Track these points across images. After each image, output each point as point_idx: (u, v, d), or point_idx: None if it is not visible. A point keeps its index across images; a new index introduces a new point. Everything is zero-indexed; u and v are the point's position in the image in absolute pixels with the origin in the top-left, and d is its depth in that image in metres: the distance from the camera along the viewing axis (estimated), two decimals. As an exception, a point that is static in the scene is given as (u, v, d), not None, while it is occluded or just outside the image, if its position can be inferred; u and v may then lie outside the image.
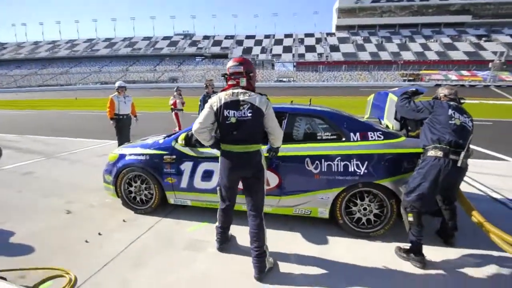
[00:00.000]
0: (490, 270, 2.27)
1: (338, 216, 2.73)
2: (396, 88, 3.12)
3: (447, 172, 2.14)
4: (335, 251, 2.54)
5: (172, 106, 8.28)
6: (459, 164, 2.13)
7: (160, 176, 3.12)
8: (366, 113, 3.83)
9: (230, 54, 67.43)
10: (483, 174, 4.87)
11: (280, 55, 66.18)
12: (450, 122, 2.24)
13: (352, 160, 2.61)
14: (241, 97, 2.11)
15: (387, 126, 3.10)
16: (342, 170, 2.63)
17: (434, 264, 2.33)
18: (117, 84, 5.87)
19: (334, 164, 2.64)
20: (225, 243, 2.56)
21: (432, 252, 2.46)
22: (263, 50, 68.32)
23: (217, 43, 73.45)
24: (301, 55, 64.76)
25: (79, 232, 2.90)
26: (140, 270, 2.30)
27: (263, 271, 2.15)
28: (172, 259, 2.45)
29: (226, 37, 76.29)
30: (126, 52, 71.44)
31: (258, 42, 72.19)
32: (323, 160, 2.66)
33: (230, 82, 2.19)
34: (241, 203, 2.65)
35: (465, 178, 4.59)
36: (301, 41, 70.66)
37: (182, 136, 2.84)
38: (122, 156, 3.35)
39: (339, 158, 2.64)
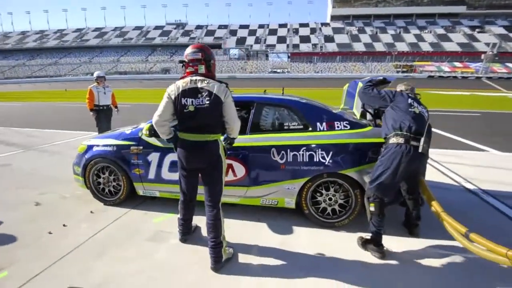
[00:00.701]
0: (450, 260, 2.27)
1: (304, 206, 2.73)
2: (368, 77, 3.08)
3: (409, 158, 2.15)
4: (299, 241, 2.54)
5: None
6: (420, 149, 2.13)
7: (128, 167, 3.07)
8: (342, 103, 3.79)
9: (223, 44, 66.55)
10: (461, 165, 4.91)
11: (274, 45, 65.48)
12: (410, 109, 2.27)
13: (317, 150, 2.59)
14: (199, 85, 2.04)
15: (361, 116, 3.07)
16: (307, 160, 2.61)
17: (395, 254, 2.34)
18: (95, 74, 5.68)
19: (299, 154, 2.62)
20: (188, 234, 2.53)
21: (395, 243, 2.48)
22: (257, 40, 67.52)
23: (210, 32, 72.31)
24: (296, 46, 64.18)
25: (44, 224, 2.86)
26: (101, 260, 2.29)
27: (219, 262, 2.13)
28: (134, 249, 2.43)
29: (220, 27, 75.11)
30: (117, 42, 69.98)
31: (252, 32, 71.24)
32: (288, 150, 2.64)
33: (188, 70, 2.10)
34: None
35: (442, 168, 4.70)
36: (296, 31, 69.90)
37: (147, 126, 2.76)
38: (90, 147, 3.28)
39: (305, 148, 2.61)
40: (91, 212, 3.13)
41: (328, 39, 65.04)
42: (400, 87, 2.58)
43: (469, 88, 28.54)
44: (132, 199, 3.31)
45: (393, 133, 2.24)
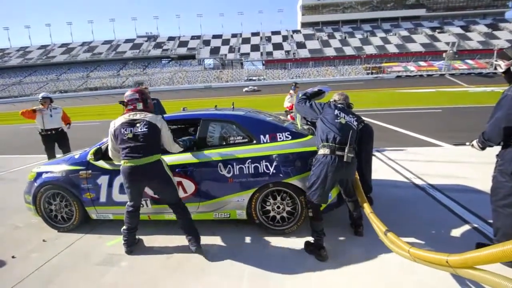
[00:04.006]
0: (387, 257, 2.36)
1: (254, 216, 2.82)
2: (310, 89, 3.25)
3: (334, 168, 2.30)
4: (249, 250, 2.63)
5: (288, 108, 6.78)
6: (344, 159, 2.29)
7: (78, 192, 3.03)
8: (293, 113, 3.96)
9: (197, 55, 66.51)
10: (414, 161, 5.20)
11: (248, 54, 66.36)
12: (336, 120, 2.43)
13: (261, 162, 2.70)
14: (137, 117, 2.45)
15: (310, 127, 3.21)
16: (253, 172, 2.71)
17: (338, 255, 2.46)
18: (40, 96, 5.24)
19: (245, 167, 2.72)
20: (133, 245, 2.70)
21: (340, 244, 2.62)
22: (231, 50, 68.11)
23: (183, 44, 72.05)
24: (269, 53, 65.41)
25: (-9, 258, 2.76)
26: (46, 290, 2.25)
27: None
28: (83, 275, 2.42)
29: (192, 38, 75.08)
30: (86, 57, 67.95)
31: (226, 42, 71.85)
32: (235, 164, 2.73)
33: (128, 107, 2.52)
34: (163, 212, 2.84)
35: (395, 166, 4.98)
36: (268, 39, 71.32)
37: (92, 150, 2.79)
38: (39, 174, 3.21)
39: (250, 160, 2.72)
40: (44, 240, 3.06)
41: (300, 45, 66.85)
42: (334, 97, 2.75)
43: (434, 85, 30.29)
44: (87, 224, 3.26)
45: (321, 144, 2.40)
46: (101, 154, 2.81)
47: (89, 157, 2.81)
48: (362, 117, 2.74)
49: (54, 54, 70.18)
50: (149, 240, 2.89)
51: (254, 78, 56.83)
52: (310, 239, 2.61)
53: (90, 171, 2.97)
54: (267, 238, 2.80)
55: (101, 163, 2.93)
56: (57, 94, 51.22)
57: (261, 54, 65.67)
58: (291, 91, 6.88)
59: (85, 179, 2.98)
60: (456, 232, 2.73)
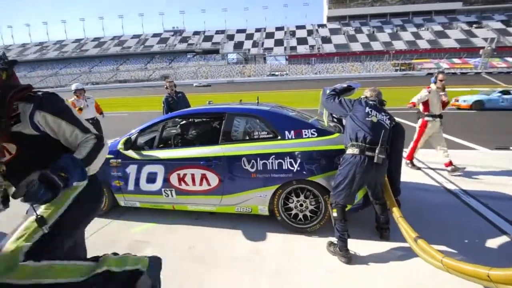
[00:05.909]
0: (414, 263, 2.26)
1: (276, 213, 2.80)
2: (338, 84, 3.15)
3: (363, 169, 2.20)
4: (270, 247, 2.61)
5: (422, 110, 4.54)
6: (375, 160, 2.19)
7: (109, 179, 3.16)
8: (319, 110, 3.85)
9: (221, 49, 67.03)
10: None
11: (271, 48, 65.83)
12: (367, 119, 2.31)
13: (286, 158, 2.66)
14: None
15: (337, 124, 3.14)
16: (277, 168, 2.68)
17: (362, 258, 2.38)
18: (73, 87, 5.35)
19: (269, 162, 2.69)
20: None
21: (365, 246, 2.52)
22: (255, 44, 67.91)
23: (207, 38, 72.84)
24: (293, 48, 64.47)
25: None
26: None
27: None
28: (110, 261, 2.51)
29: (217, 32, 75.63)
30: (116, 51, 70.76)
31: (249, 36, 71.71)
32: (258, 159, 2.71)
33: None
34: (187, 203, 2.85)
35: (426, 170, 4.73)
36: (293, 33, 70.24)
37: (122, 140, 2.89)
38: (72, 161, 3.38)
39: (274, 156, 2.68)
40: (75, 224, 3.23)
41: (325, 40, 65.25)
42: (366, 93, 2.63)
43: (468, 84, 28.38)
44: (115, 210, 3.41)
45: (350, 143, 2.30)
46: (130, 144, 2.90)
47: (120, 146, 2.92)
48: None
49: (87, 48, 73.76)
50: (170, 229, 2.97)
51: (276, 73, 56.35)
52: (333, 239, 2.55)
53: (120, 160, 3.08)
54: (289, 236, 2.77)
55: (131, 153, 3.03)
56: (89, 85, 53.80)
57: (285, 49, 64.88)
58: (433, 84, 4.49)
59: (115, 168, 3.10)
60: (492, 243, 2.54)
